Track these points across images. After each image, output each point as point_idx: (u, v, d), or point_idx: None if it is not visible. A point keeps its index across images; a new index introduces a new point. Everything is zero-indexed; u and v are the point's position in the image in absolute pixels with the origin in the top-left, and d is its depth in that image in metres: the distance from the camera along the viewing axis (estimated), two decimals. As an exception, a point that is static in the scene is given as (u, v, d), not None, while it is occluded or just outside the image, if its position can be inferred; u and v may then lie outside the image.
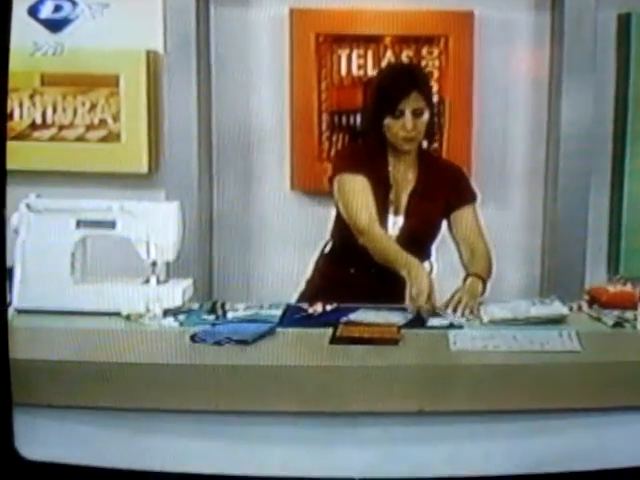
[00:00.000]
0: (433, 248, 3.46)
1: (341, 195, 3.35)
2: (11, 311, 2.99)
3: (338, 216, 3.40)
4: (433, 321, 3.00)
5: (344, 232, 3.35)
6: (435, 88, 4.35)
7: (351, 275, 3.34)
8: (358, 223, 3.29)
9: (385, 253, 3.21)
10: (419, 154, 3.40)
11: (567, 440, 2.70)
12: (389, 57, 4.37)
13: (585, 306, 3.18)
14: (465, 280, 3.22)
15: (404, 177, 3.38)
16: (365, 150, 3.43)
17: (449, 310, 3.07)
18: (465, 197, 3.42)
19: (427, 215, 3.37)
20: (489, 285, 3.30)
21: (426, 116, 3.29)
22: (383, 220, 3.33)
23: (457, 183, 3.43)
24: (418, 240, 3.37)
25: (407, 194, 3.37)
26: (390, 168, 3.37)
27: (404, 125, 3.26)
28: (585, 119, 4.26)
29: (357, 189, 3.31)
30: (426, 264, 3.42)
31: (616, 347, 2.89)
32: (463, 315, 3.05)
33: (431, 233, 3.44)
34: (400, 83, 3.32)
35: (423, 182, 3.38)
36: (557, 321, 3.00)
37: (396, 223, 3.36)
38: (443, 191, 3.38)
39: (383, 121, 3.28)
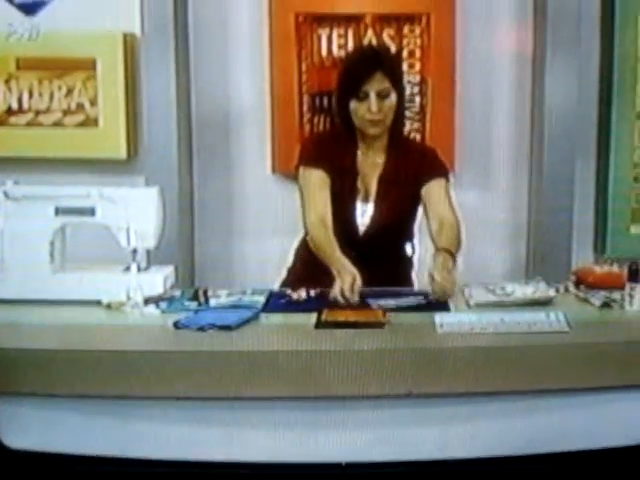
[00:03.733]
0: (415, 229, 3.43)
1: (299, 188, 3.35)
2: (-10, 300, 2.97)
3: None
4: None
5: None
6: (417, 67, 4.36)
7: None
8: (304, 221, 3.30)
9: (322, 255, 3.17)
10: (390, 138, 3.35)
11: (555, 420, 2.71)
12: (370, 36, 4.34)
13: (572, 287, 3.18)
14: (435, 258, 3.08)
15: (372, 162, 3.34)
16: (333, 136, 3.43)
17: (435, 291, 3.01)
18: (434, 170, 3.34)
19: (397, 200, 3.32)
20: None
21: (393, 99, 3.25)
22: (350, 209, 3.31)
23: (426, 159, 3.38)
24: (391, 226, 3.34)
25: (376, 180, 3.33)
26: (359, 154, 3.34)
27: (369, 107, 3.21)
28: (570, 96, 4.26)
29: (312, 186, 3.30)
30: (408, 247, 3.42)
31: (603, 327, 2.89)
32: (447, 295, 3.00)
33: (405, 218, 3.40)
34: (363, 64, 3.28)
35: (391, 166, 3.33)
36: (544, 303, 3.00)
37: (366, 212, 3.32)
38: (412, 172, 3.32)
39: (349, 105, 3.25)
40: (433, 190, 3.30)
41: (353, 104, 3.24)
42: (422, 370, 2.65)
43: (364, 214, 3.32)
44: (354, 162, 3.33)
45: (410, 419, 2.70)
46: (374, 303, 2.97)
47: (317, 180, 3.28)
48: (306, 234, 3.40)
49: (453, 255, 3.10)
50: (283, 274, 3.52)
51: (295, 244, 3.52)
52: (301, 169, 3.34)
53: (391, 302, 2.98)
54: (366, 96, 3.21)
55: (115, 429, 2.68)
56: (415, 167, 3.33)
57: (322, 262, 3.17)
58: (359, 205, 3.32)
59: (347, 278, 2.96)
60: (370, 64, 3.24)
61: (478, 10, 4.34)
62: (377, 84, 3.21)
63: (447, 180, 3.35)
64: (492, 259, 4.45)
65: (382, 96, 3.22)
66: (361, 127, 3.28)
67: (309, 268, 3.37)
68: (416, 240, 3.45)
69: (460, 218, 3.29)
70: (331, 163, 3.29)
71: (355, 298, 2.95)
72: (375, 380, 2.63)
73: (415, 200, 3.33)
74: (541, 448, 2.68)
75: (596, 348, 2.71)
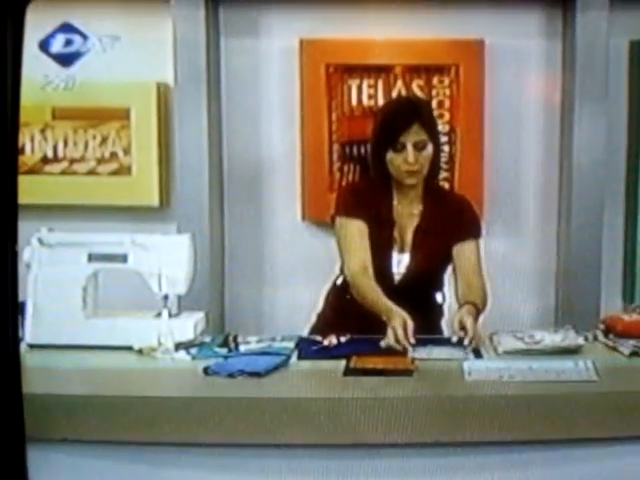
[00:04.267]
0: (445, 278, 3.43)
1: (337, 239, 3.35)
2: (23, 346, 2.98)
3: None
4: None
5: None
6: (446, 117, 4.40)
7: (363, 307, 3.27)
8: (347, 273, 3.30)
9: (368, 303, 3.17)
10: (425, 188, 3.35)
11: (583, 470, 2.68)
12: (399, 87, 4.38)
13: (601, 336, 3.16)
14: (459, 309, 3.14)
15: (409, 212, 3.35)
16: (368, 186, 3.41)
17: (455, 336, 3.02)
18: (468, 231, 3.35)
19: (433, 251, 3.32)
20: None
21: (429, 149, 3.25)
22: (386, 259, 3.31)
23: (462, 216, 3.38)
24: (426, 276, 3.35)
25: (412, 230, 3.34)
26: (395, 204, 3.34)
27: (406, 159, 3.21)
28: (598, 147, 4.26)
29: (351, 235, 3.29)
30: (439, 296, 3.42)
31: (633, 377, 2.87)
32: (471, 342, 3.00)
33: (439, 268, 3.39)
34: (400, 116, 3.28)
35: (428, 217, 3.34)
36: (573, 351, 2.98)
37: (401, 261, 3.32)
38: (448, 225, 3.33)
39: (386, 155, 3.25)
40: (464, 254, 3.32)
41: (389, 155, 3.24)
42: (450, 418, 2.64)
43: (399, 264, 3.32)
44: (390, 212, 3.33)
45: (437, 468, 2.68)
46: (415, 353, 2.97)
47: (356, 230, 3.28)
48: (335, 280, 3.44)
49: (478, 312, 3.14)
50: (313, 319, 3.52)
51: (325, 290, 3.54)
52: (338, 219, 3.34)
53: (430, 352, 3.00)
54: (403, 147, 3.21)
55: (145, 476, 2.68)
56: (451, 221, 3.34)
57: (353, 308, 3.20)
58: (395, 255, 3.32)
59: (398, 322, 2.97)
60: (407, 116, 3.25)
61: (507, 61, 4.37)
62: (414, 136, 3.22)
63: (479, 239, 3.37)
64: (521, 307, 4.43)
65: (419, 148, 3.22)
66: (397, 177, 3.28)
67: (338, 314, 3.40)
68: (446, 289, 3.46)
69: (487, 283, 3.31)
70: (368, 213, 3.29)
71: (410, 340, 2.95)
72: (403, 428, 2.62)
73: (449, 251, 3.34)
74: (571, 498, 2.67)
75: (625, 397, 2.68)
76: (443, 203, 3.39)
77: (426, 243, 3.32)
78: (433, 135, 3.30)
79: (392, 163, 3.25)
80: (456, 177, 4.42)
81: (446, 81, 4.39)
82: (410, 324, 2.97)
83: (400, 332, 2.95)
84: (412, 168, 3.24)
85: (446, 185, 4.33)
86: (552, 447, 2.66)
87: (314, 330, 3.40)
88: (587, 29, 4.21)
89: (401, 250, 3.33)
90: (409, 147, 3.21)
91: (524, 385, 2.73)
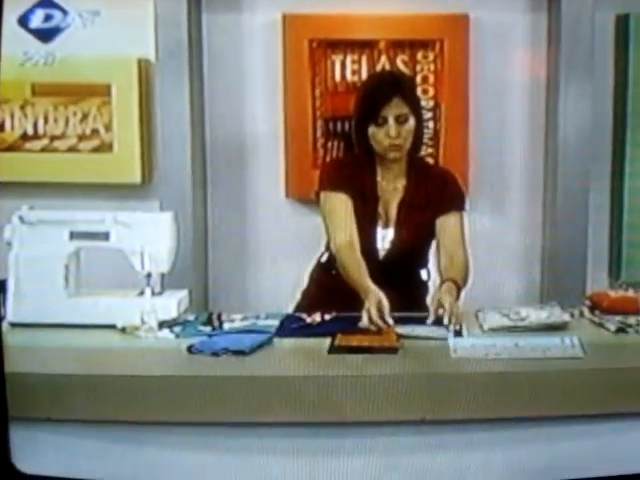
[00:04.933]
0: (430, 255, 3.42)
1: (322, 214, 3.34)
2: (5, 325, 2.98)
3: None
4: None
5: None
6: (431, 93, 4.39)
7: (348, 284, 3.26)
8: (333, 246, 3.28)
9: (350, 279, 3.15)
10: (409, 162, 3.35)
11: (570, 447, 2.69)
12: (384, 62, 4.37)
13: (587, 312, 3.16)
14: (440, 286, 3.12)
15: (393, 187, 3.34)
16: (352, 162, 3.40)
17: (433, 316, 2.98)
18: (452, 203, 3.34)
19: (417, 225, 3.31)
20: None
21: (411, 123, 3.25)
22: (371, 235, 3.30)
23: (446, 189, 3.36)
24: (410, 251, 3.35)
25: (396, 205, 3.33)
26: (378, 179, 3.33)
27: (388, 132, 3.21)
28: (584, 122, 4.27)
29: (336, 209, 3.28)
30: (423, 272, 3.41)
31: (619, 353, 2.88)
32: (450, 321, 2.97)
33: (424, 243, 3.39)
34: (381, 89, 3.28)
35: (412, 192, 3.33)
36: (558, 327, 2.98)
37: (386, 236, 3.32)
38: (432, 198, 3.32)
39: (368, 130, 3.25)
40: (448, 226, 3.31)
41: (372, 129, 3.24)
42: (436, 396, 2.64)
43: (384, 239, 3.32)
44: (374, 187, 3.32)
45: (425, 445, 2.68)
46: (398, 329, 2.95)
47: (342, 204, 3.27)
48: (320, 257, 3.44)
49: (459, 288, 3.13)
50: (297, 297, 3.51)
51: (309, 267, 3.52)
52: (323, 194, 3.33)
53: (415, 330, 2.97)
54: (385, 121, 3.21)
55: (129, 454, 2.67)
56: (435, 194, 3.33)
57: (338, 285, 3.19)
58: (379, 230, 3.32)
59: (373, 302, 2.96)
60: (388, 89, 3.24)
61: (492, 35, 4.36)
62: (396, 109, 3.21)
63: (463, 212, 3.36)
64: (506, 283, 4.44)
65: (400, 121, 3.22)
66: (380, 152, 3.27)
67: (323, 291, 3.40)
68: (430, 265, 3.45)
69: (469, 256, 3.29)
70: (353, 188, 3.28)
71: (387, 320, 2.93)
72: (389, 406, 2.62)
73: (433, 225, 3.33)
74: (556, 476, 2.66)
75: (611, 374, 2.70)
76: (427, 177, 3.38)
77: (410, 218, 3.32)
78: (415, 108, 3.30)
79: (374, 137, 3.25)
80: (441, 153, 4.41)
81: (430, 56, 4.37)
82: (385, 304, 2.95)
83: (374, 312, 2.94)
84: (394, 142, 3.23)
85: (431, 162, 4.31)
86: (538, 424, 2.67)
87: (299, 307, 3.40)
88: (573, 2, 4.21)
89: (385, 225, 3.32)
90: (391, 121, 3.21)
91: (510, 362, 2.74)
